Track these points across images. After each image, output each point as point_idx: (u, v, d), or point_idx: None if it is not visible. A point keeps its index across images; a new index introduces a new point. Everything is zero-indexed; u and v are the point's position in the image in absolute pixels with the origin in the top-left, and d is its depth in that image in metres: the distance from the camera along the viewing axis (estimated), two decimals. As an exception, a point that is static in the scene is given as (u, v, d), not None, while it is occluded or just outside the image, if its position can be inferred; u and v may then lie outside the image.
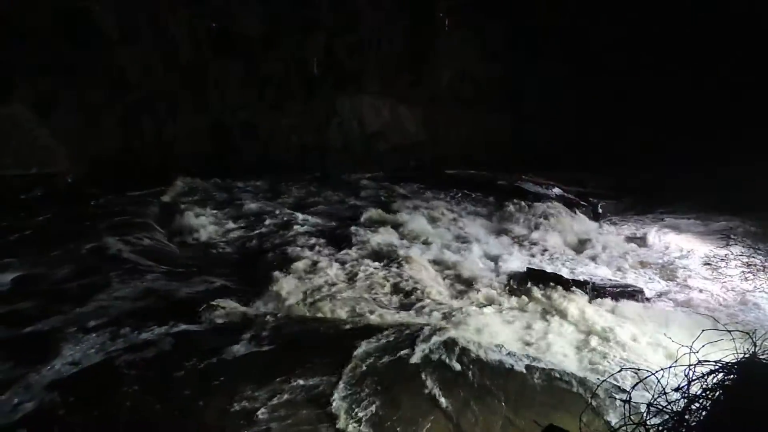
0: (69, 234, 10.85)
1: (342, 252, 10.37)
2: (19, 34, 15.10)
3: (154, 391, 5.60)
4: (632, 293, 8.62)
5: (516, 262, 10.15)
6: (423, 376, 5.83)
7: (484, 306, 8.17)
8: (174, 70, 17.89)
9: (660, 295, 8.97)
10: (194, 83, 18.14)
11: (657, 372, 3.10)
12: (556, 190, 15.54)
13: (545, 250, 11.03)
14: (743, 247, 10.82)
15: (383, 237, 11.32)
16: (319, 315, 7.68)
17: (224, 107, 18.68)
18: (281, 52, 18.89)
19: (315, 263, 9.64)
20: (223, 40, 18.19)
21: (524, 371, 6.01)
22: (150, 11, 17.25)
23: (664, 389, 2.95)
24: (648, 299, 8.65)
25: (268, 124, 19.15)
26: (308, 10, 18.81)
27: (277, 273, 9.04)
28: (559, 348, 6.83)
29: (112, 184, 15.07)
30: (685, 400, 2.89)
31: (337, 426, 5.08)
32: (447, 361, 6.09)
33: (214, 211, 13.44)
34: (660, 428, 2.84)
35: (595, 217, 13.91)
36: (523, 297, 8.47)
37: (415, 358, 6.11)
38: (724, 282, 9.35)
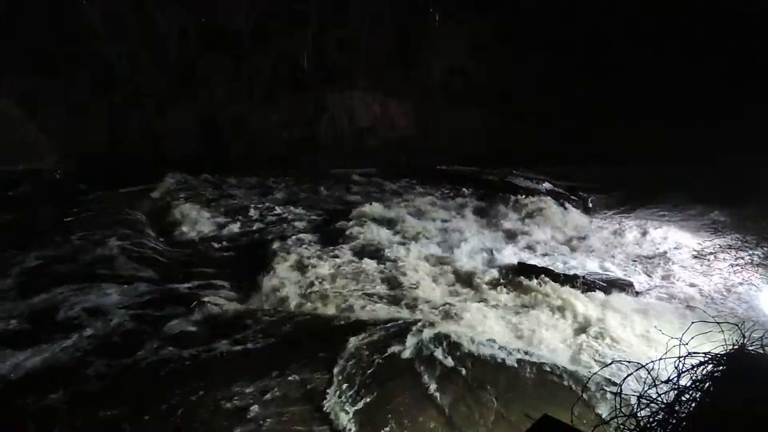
0: (57, 231, 10.76)
1: (333, 248, 10.36)
2: (5, 30, 14.93)
3: (144, 388, 5.58)
4: (622, 286, 8.68)
5: (507, 256, 10.18)
6: (415, 371, 5.85)
7: (476, 300, 8.19)
8: (162, 66, 17.75)
9: (650, 288, 9.04)
10: (183, 79, 18.01)
11: (647, 364, 3.12)
12: (547, 185, 15.57)
13: (536, 244, 11.07)
14: (732, 240, 10.91)
15: (375, 233, 11.32)
16: (311, 311, 7.67)
17: (213, 103, 18.56)
18: (270, 48, 18.78)
19: (306, 259, 9.62)
20: (212, 36, 18.07)
21: (516, 365, 6.04)
22: (138, 7, 17.09)
23: (654, 381, 2.97)
24: (638, 292, 8.73)
25: (257, 120, 19.06)
26: (297, 4, 18.71)
27: (268, 269, 9.03)
28: (550, 341, 6.87)
29: (101, 180, 14.93)
30: (676, 392, 2.91)
31: (330, 421, 5.08)
32: (439, 355, 6.11)
33: (205, 208, 13.36)
34: (650, 420, 2.86)
35: (586, 211, 13.96)
36: (514, 291, 8.50)
37: (408, 353, 6.13)
38: (713, 275, 9.43)
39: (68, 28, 15.89)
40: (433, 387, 5.61)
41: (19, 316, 7.14)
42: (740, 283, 8.97)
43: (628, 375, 3.26)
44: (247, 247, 10.89)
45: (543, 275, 8.81)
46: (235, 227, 12.04)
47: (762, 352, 3.03)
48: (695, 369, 2.99)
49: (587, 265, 9.97)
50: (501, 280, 8.94)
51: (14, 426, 5.13)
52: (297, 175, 17.67)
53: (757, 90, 15.46)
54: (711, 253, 10.36)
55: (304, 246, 10.43)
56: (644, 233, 11.65)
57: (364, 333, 6.54)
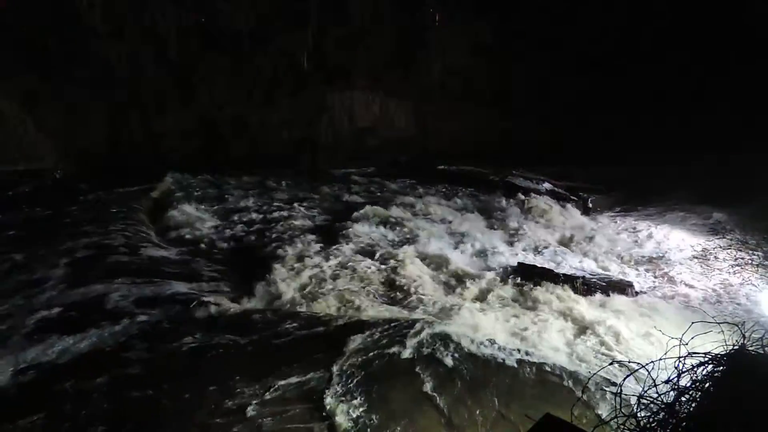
0: (57, 231, 10.75)
1: (334, 247, 10.35)
2: (5, 30, 14.93)
3: (144, 388, 5.57)
4: (622, 287, 8.68)
5: (507, 256, 10.19)
6: (415, 371, 5.85)
7: (476, 301, 8.19)
8: (162, 66, 17.74)
9: (650, 288, 9.04)
10: (183, 79, 18.00)
11: (647, 364, 3.11)
12: (547, 185, 15.59)
13: (536, 244, 11.07)
14: (732, 240, 10.92)
15: (375, 232, 11.33)
16: (311, 310, 7.67)
17: (213, 103, 18.55)
18: (270, 48, 18.78)
19: (306, 259, 9.62)
20: (212, 36, 18.05)
21: (515, 365, 6.04)
22: (138, 7, 17.09)
23: (654, 381, 2.97)
24: (638, 293, 8.72)
25: (257, 120, 19.06)
26: (297, 4, 18.71)
27: (268, 269, 9.03)
28: (550, 342, 6.86)
29: (100, 179, 14.94)
30: (676, 392, 2.90)
31: (330, 421, 5.08)
32: (439, 355, 6.11)
33: (205, 207, 13.37)
34: (650, 420, 2.86)
35: (586, 211, 13.96)
36: (514, 292, 8.50)
37: (407, 353, 6.12)
38: (713, 275, 9.43)
39: (68, 28, 15.88)
40: (433, 387, 5.61)
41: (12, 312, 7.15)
42: (740, 284, 8.98)
43: (628, 375, 3.26)
44: (247, 247, 10.88)
45: (543, 275, 8.81)
46: (235, 227, 12.03)
47: (762, 352, 3.03)
48: (695, 369, 2.98)
49: (587, 265, 9.97)
50: (501, 280, 8.94)
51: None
52: (297, 175, 17.68)
53: (760, 91, 15.47)
54: (711, 253, 10.36)
55: (304, 246, 10.42)
56: (644, 233, 11.66)
57: (363, 333, 6.54)
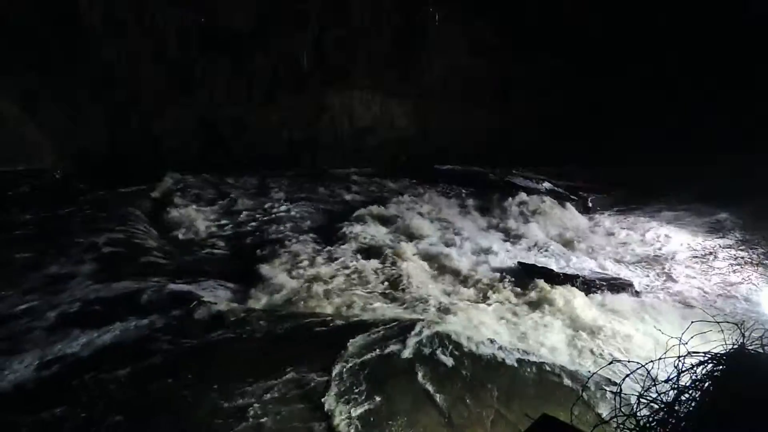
0: (57, 231, 10.75)
1: (334, 247, 10.36)
2: (3, 29, 14.93)
3: (144, 387, 5.56)
4: (622, 286, 8.69)
5: (507, 256, 10.19)
6: (415, 371, 5.84)
7: (476, 300, 8.19)
8: (162, 66, 17.75)
9: (650, 287, 9.04)
10: (182, 79, 18.01)
11: (647, 364, 3.11)
12: (547, 185, 15.62)
13: (536, 244, 11.07)
14: (732, 239, 10.92)
15: (375, 232, 11.32)
16: (311, 310, 7.67)
17: (213, 103, 18.55)
18: (270, 48, 18.78)
19: (306, 259, 9.63)
20: (212, 36, 18.06)
21: (515, 365, 6.03)
22: (138, 7, 17.10)
23: (654, 381, 2.97)
24: (638, 292, 8.73)
25: (257, 120, 19.05)
26: (297, 4, 18.71)
27: (268, 268, 9.03)
28: (550, 341, 6.87)
29: (100, 180, 14.93)
30: (675, 391, 2.90)
31: (330, 421, 5.08)
32: (439, 355, 6.10)
33: (204, 207, 13.37)
34: (650, 419, 2.86)
35: (586, 210, 13.98)
36: (515, 291, 8.50)
37: (408, 353, 6.12)
38: (713, 274, 9.43)
39: (68, 28, 15.89)
40: (433, 387, 5.60)
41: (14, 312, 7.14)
42: (740, 283, 8.98)
43: (628, 375, 3.25)
44: (246, 246, 10.88)
45: (543, 275, 8.81)
46: (234, 227, 12.04)
47: (762, 351, 3.03)
48: (695, 368, 2.98)
49: (587, 264, 9.98)
50: (501, 280, 8.95)
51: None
52: (297, 175, 17.68)
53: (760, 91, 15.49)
54: (711, 253, 10.37)
55: (303, 246, 10.43)
56: (644, 233, 11.66)
57: (363, 333, 6.53)
